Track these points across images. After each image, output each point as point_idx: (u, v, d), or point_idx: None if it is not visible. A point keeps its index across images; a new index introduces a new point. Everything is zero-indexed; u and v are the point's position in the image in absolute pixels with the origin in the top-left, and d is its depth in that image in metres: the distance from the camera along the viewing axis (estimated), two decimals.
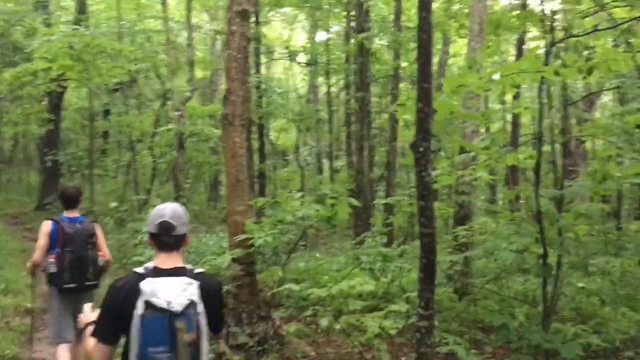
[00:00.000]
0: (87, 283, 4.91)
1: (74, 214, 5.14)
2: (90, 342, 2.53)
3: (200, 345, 2.43)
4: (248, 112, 6.97)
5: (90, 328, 2.60)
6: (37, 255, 4.97)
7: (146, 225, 2.78)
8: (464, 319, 7.43)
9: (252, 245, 6.23)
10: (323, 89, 25.30)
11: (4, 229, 14.10)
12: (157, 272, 2.50)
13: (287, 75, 21.39)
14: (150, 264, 2.58)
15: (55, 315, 5.02)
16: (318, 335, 6.91)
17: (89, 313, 2.76)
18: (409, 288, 6.94)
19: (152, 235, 2.62)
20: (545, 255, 5.81)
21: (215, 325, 2.62)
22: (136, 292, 2.39)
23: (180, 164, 10.13)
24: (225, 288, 6.46)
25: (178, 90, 12.51)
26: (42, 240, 4.94)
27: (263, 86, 15.64)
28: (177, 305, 2.38)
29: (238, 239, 6.24)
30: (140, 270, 2.55)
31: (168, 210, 2.60)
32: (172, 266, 2.56)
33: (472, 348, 5.79)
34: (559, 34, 8.05)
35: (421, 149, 3.78)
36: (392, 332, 4.87)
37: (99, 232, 5.19)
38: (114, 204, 11.27)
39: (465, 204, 9.08)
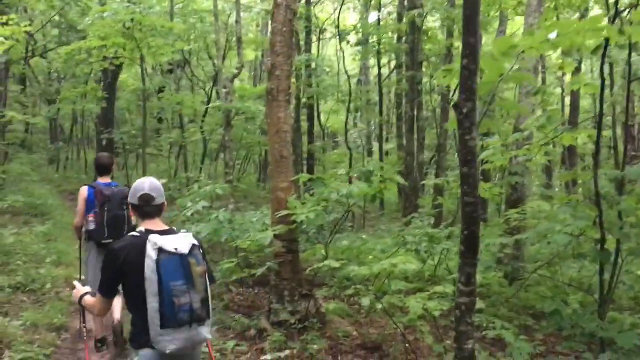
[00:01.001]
0: None
1: (107, 179, 5.58)
2: (90, 300, 3.03)
3: (206, 277, 2.92)
4: (292, 87, 6.84)
5: (86, 298, 3.09)
6: (78, 218, 5.47)
7: (131, 198, 3.05)
8: (513, 305, 7.14)
9: (294, 221, 6.13)
10: (374, 71, 24.96)
11: (61, 204, 14.57)
12: (153, 232, 2.88)
13: (338, 57, 21.11)
14: (141, 229, 2.94)
15: (93, 267, 5.39)
16: (360, 315, 6.79)
17: (80, 287, 3.18)
18: (455, 270, 6.69)
19: (135, 206, 3.02)
20: (602, 240, 5.47)
21: (209, 276, 3.01)
22: (142, 246, 2.79)
23: (227, 142, 10.13)
24: (267, 265, 6.41)
25: (226, 68, 12.52)
26: (81, 204, 5.41)
27: (313, 65, 15.45)
28: (184, 248, 2.83)
29: (280, 215, 6.15)
30: (134, 233, 2.92)
31: (147, 184, 3.02)
32: (162, 228, 2.98)
33: (521, 334, 5.55)
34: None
35: (464, 110, 3.49)
36: (436, 313, 4.68)
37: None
38: (163, 180, 11.45)
39: (519, 186, 8.71)
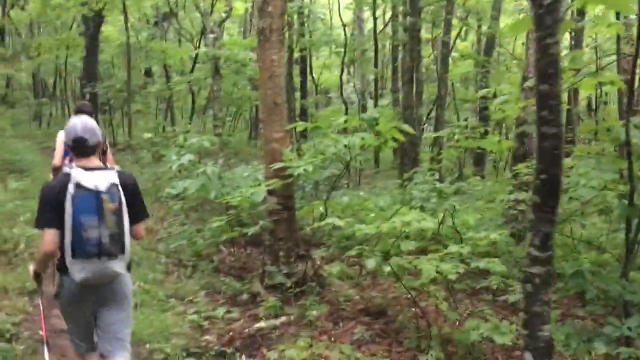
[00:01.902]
0: None
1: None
2: (45, 235, 3.00)
3: (121, 214, 3.01)
4: (285, 26, 6.13)
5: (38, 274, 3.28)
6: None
7: (66, 139, 3.12)
8: (524, 266, 6.66)
9: (290, 175, 5.54)
10: (368, 25, 24.02)
11: (42, 160, 13.83)
12: (85, 169, 3.01)
13: (330, 6, 20.14)
14: (74, 165, 3.04)
15: None
16: (361, 277, 6.27)
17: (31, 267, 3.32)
18: (463, 230, 6.16)
19: (70, 148, 3.11)
20: (632, 193, 4.94)
21: (134, 214, 3.12)
22: (66, 183, 2.94)
23: (216, 92, 9.39)
24: (260, 223, 5.84)
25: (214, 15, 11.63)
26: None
27: (306, 12, 14.54)
28: (102, 185, 2.96)
29: (274, 168, 5.55)
30: (67, 170, 3.03)
31: (79, 126, 3.08)
32: (93, 165, 3.07)
33: None
34: None
35: (547, 1, 2.76)
36: (452, 277, 4.14)
37: (107, 142, 5.57)
38: (148, 135, 10.73)
39: (527, 139, 8.15)
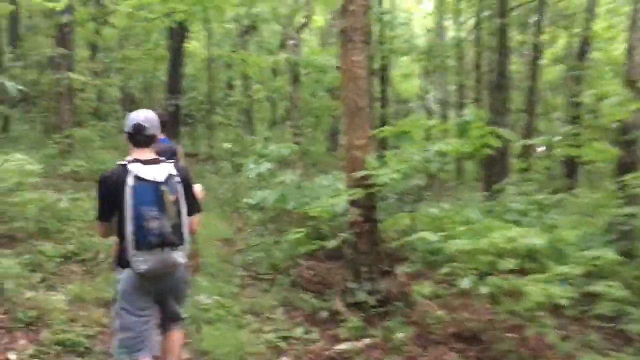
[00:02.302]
0: None
1: (161, 136, 5.36)
2: (97, 224, 3.21)
3: (180, 205, 3.07)
4: (369, 25, 5.77)
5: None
6: None
7: (126, 127, 3.20)
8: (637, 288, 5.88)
9: (373, 185, 5.13)
10: (450, 33, 23.26)
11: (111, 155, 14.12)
12: (142, 162, 3.06)
13: (411, 13, 19.63)
14: (129, 158, 3.09)
15: None
16: (452, 296, 5.73)
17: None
18: (569, 248, 5.49)
19: (129, 135, 3.17)
20: None
21: (189, 207, 3.16)
22: (124, 175, 2.98)
23: (295, 100, 9.16)
24: (340, 236, 5.46)
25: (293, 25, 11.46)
26: None
27: (386, 18, 14.12)
28: (160, 177, 3.01)
29: (357, 176, 5.16)
30: (121, 162, 3.07)
31: (141, 114, 3.20)
32: (148, 158, 3.12)
33: None
34: None
35: None
36: (564, 302, 3.58)
37: (180, 152, 5.64)
38: (227, 145, 10.67)
39: (635, 147, 7.35)
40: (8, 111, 14.22)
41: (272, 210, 8.52)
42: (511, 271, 4.62)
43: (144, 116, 3.20)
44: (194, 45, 26.04)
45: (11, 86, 3.90)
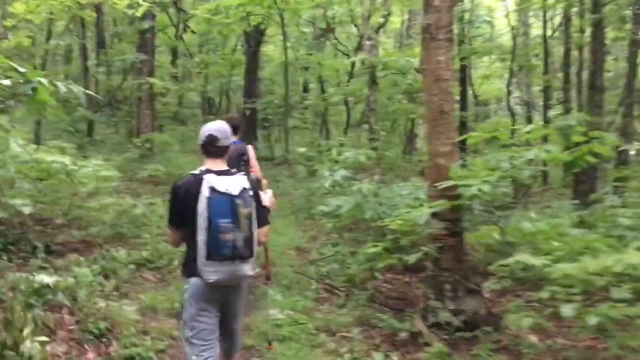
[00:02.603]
0: None
1: (234, 138, 5.55)
2: (167, 230, 3.30)
3: (252, 218, 3.10)
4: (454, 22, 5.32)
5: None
6: (256, 170, 5.59)
7: (200, 138, 3.22)
8: None
9: (459, 195, 4.69)
10: (534, 31, 22.09)
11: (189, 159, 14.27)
12: (211, 172, 3.07)
13: (493, 11, 18.73)
14: (202, 168, 3.13)
15: None
16: (544, 318, 5.17)
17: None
18: None
19: (202, 146, 3.20)
20: None
21: (260, 219, 3.20)
22: (198, 185, 3.01)
23: (372, 103, 8.78)
24: (422, 250, 5.05)
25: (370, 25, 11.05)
26: (253, 160, 5.64)
27: (467, 16, 13.44)
28: (234, 190, 3.05)
29: (441, 187, 4.73)
30: (195, 172, 3.10)
31: (214, 125, 3.24)
32: (220, 169, 3.15)
33: None
34: None
35: None
36: None
37: (250, 152, 5.74)
38: (302, 149, 10.44)
39: None
40: (92, 116, 14.72)
41: (348, 218, 8.23)
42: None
43: (217, 127, 3.24)
44: (270, 49, 26.28)
45: (78, 91, 3.77)
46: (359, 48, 17.74)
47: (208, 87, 25.47)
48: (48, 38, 12.15)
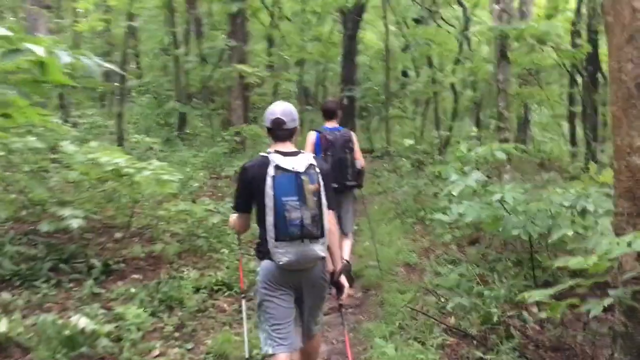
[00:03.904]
0: (347, 183, 5.45)
1: (334, 124, 5.61)
2: (232, 217, 3.36)
3: (320, 195, 3.01)
4: None
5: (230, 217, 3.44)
6: None
7: (265, 121, 3.14)
8: None
9: None
10: None
11: None
12: (283, 154, 3.03)
13: None
14: (270, 150, 3.07)
15: None
16: None
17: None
18: None
19: (268, 129, 3.16)
20: None
21: (328, 201, 3.08)
22: (265, 165, 2.95)
23: (502, 83, 6.95)
24: (613, 295, 3.36)
25: None
26: (308, 149, 5.39)
27: None
28: (300, 167, 2.99)
29: None
30: (263, 154, 3.05)
31: (279, 108, 3.16)
32: (289, 150, 3.10)
33: None
34: None
35: None
36: None
37: (354, 139, 5.60)
38: (409, 142, 8.84)
39: None
40: (183, 107, 13.90)
41: (469, 227, 6.59)
42: None
43: (282, 110, 3.13)
44: (369, 36, 24.74)
45: (94, 64, 2.52)
46: (466, 27, 15.77)
47: (304, 77, 24.38)
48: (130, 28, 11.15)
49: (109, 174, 4.74)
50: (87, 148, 5.12)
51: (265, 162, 2.94)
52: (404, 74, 22.75)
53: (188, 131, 14.18)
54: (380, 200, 10.59)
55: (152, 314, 4.45)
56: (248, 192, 3.02)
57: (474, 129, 6.99)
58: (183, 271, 5.26)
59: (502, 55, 7.04)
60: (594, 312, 3.25)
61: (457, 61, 13.77)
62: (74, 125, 10.93)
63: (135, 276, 5.09)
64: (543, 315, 4.41)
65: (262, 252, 3.01)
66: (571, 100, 13.57)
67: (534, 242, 4.60)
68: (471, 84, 12.70)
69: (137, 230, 5.90)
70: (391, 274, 6.10)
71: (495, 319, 4.51)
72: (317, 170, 3.01)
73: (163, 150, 11.71)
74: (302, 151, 3.11)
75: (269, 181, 2.88)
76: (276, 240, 2.90)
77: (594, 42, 11.48)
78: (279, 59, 23.66)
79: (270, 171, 2.89)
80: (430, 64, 14.38)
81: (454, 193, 4.43)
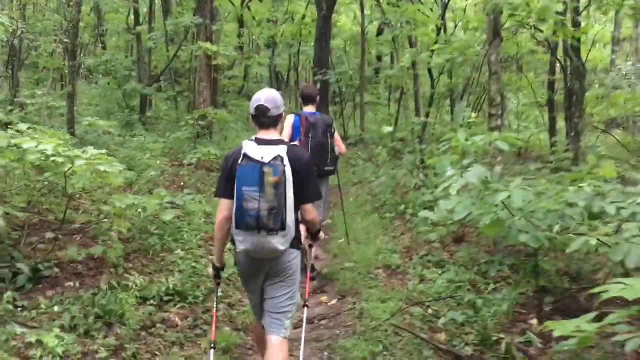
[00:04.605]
0: (325, 168, 5.42)
1: (312, 109, 5.56)
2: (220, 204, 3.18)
3: (284, 188, 2.93)
4: None
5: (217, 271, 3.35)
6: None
7: (250, 108, 3.14)
8: None
9: None
10: None
11: None
12: (258, 141, 3.06)
13: None
14: (253, 137, 3.10)
15: None
16: None
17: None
18: None
19: (252, 117, 3.16)
20: None
21: (304, 194, 3.08)
22: (239, 154, 3.00)
23: (494, 64, 6.26)
24: None
25: None
26: (287, 130, 5.34)
27: None
28: (266, 157, 2.93)
29: None
30: (243, 142, 3.07)
31: (263, 95, 3.15)
32: (270, 138, 3.09)
33: None
34: None
35: None
36: None
37: (334, 127, 5.59)
38: (388, 129, 8.11)
39: None
40: (146, 90, 12.92)
41: (455, 223, 5.93)
42: None
43: (266, 96, 3.12)
44: (343, 20, 24.00)
45: None
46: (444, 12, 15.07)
47: (276, 60, 23.51)
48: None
49: (39, 161, 3.92)
50: (12, 131, 4.27)
51: (240, 150, 2.99)
52: (378, 58, 22.05)
53: (150, 114, 13.20)
54: (355, 192, 9.90)
55: (85, 333, 3.68)
56: (225, 179, 3.05)
57: (472, 114, 6.27)
58: (128, 277, 4.47)
59: (495, 34, 6.34)
60: (630, 346, 2.60)
61: (435, 43, 13.08)
62: (22, 106, 9.97)
63: (70, 283, 4.28)
64: (541, 327, 3.78)
65: (232, 238, 3.08)
66: (550, 87, 13.01)
67: (543, 248, 3.94)
68: (452, 67, 11.97)
69: (78, 227, 5.07)
70: (370, 277, 5.42)
71: (492, 336, 3.87)
72: (286, 162, 2.94)
73: (121, 135, 10.81)
74: (282, 140, 3.11)
75: (237, 169, 2.93)
76: (236, 227, 2.97)
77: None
78: (249, 41, 22.77)
79: (239, 159, 2.94)
80: (410, 44, 13.63)
81: (453, 191, 3.72)
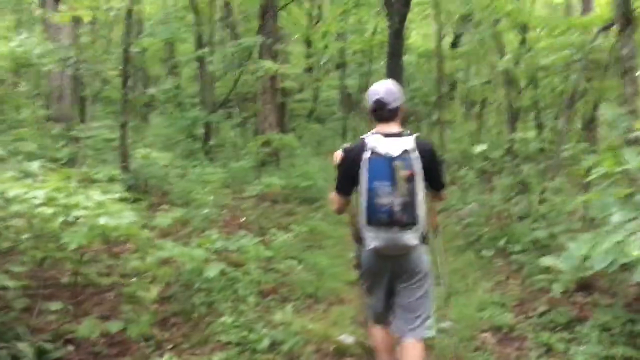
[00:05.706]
0: None
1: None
2: (332, 195, 3.15)
3: (414, 182, 2.88)
4: None
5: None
6: None
7: (368, 102, 3.06)
8: None
9: None
10: None
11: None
12: (378, 135, 2.97)
13: None
14: (371, 132, 3.01)
15: None
16: None
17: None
18: None
19: (371, 111, 3.08)
20: None
21: (433, 181, 3.05)
22: (363, 148, 2.92)
23: (627, 59, 4.81)
24: None
25: None
26: None
27: None
28: (395, 151, 2.88)
29: None
30: (364, 136, 2.99)
31: (382, 88, 3.05)
32: (391, 131, 3.00)
33: None
34: None
35: None
36: None
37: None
38: (480, 147, 6.74)
39: None
40: (209, 116, 12.18)
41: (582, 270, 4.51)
42: None
43: (384, 89, 3.04)
44: (413, 37, 22.91)
45: None
46: None
47: (347, 82, 22.56)
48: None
49: (28, 211, 2.98)
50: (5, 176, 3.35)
51: (363, 145, 2.93)
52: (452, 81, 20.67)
53: (214, 143, 12.40)
54: (441, 221, 8.54)
55: None
56: (346, 175, 3.01)
57: (637, 124, 4.77)
58: (162, 356, 3.41)
59: (626, 21, 4.92)
60: None
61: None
62: (76, 140, 9.39)
63: None
64: None
65: (357, 235, 3.04)
66: None
67: None
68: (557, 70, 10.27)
69: (97, 290, 4.08)
70: (475, 345, 4.11)
71: None
72: (414, 155, 2.88)
73: (182, 167, 10.03)
74: (406, 132, 3.00)
75: (364, 164, 2.88)
76: (367, 224, 2.91)
77: None
78: (318, 64, 21.95)
79: (366, 154, 2.89)
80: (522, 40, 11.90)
81: (636, 250, 2.42)
